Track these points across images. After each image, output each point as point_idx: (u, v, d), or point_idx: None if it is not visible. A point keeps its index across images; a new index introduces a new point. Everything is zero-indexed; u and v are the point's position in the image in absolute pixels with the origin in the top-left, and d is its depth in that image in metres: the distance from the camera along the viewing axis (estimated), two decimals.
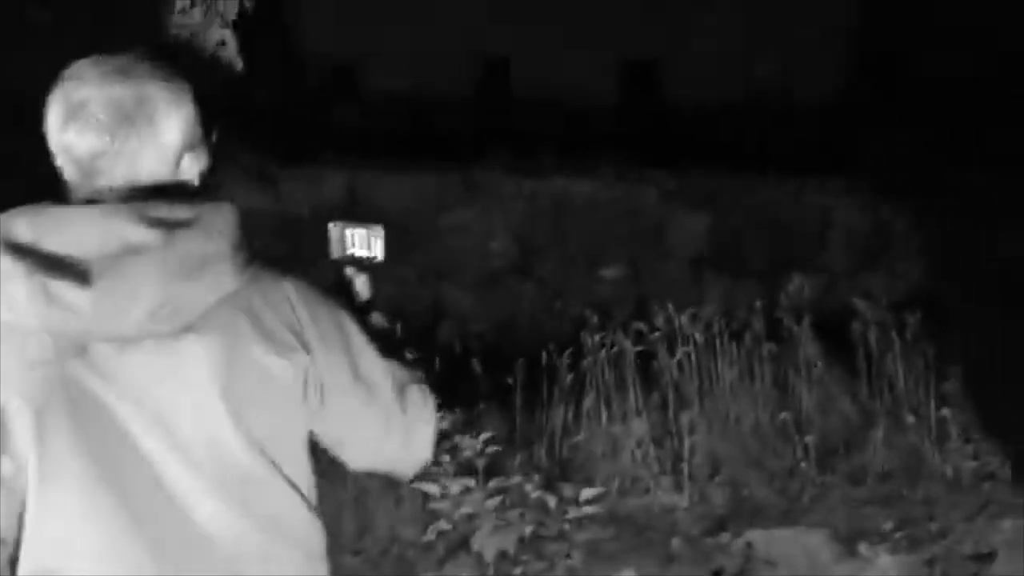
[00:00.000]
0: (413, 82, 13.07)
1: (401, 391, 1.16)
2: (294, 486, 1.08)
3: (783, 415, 3.12)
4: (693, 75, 14.47)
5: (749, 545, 2.77)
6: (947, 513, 2.88)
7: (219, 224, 1.03)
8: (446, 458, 2.74)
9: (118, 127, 1.01)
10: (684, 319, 3.31)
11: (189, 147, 1.07)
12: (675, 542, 2.79)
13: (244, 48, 3.43)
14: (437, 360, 3.25)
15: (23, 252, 0.96)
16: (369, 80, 13.23)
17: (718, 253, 6.36)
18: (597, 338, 3.20)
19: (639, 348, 3.19)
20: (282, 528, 1.08)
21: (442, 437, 2.97)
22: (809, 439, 3.01)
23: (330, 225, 1.35)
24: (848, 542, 2.85)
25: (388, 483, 3.00)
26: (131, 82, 1.01)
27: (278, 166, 6.12)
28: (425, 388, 1.21)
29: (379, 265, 1.34)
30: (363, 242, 1.35)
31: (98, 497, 1.00)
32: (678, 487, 2.97)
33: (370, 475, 3.01)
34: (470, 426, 2.96)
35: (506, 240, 6.26)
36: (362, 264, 1.34)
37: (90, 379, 1.00)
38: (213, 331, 1.02)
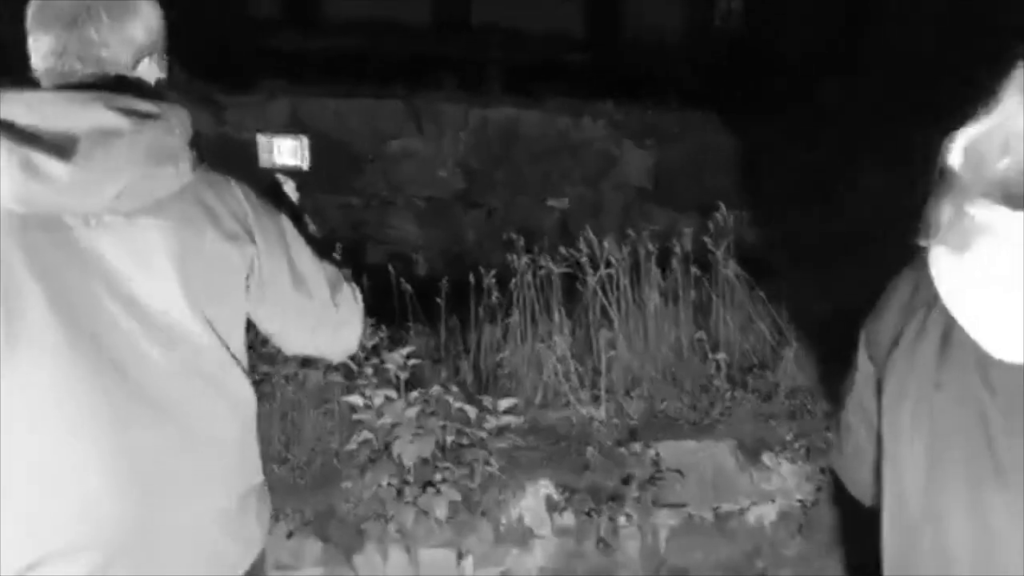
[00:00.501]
0: (368, 7, 12.73)
1: (333, 288, 1.29)
2: (236, 360, 1.21)
3: (699, 334, 3.25)
4: (655, 10, 14.29)
5: (658, 454, 2.93)
6: None
7: (177, 121, 1.14)
8: (370, 371, 2.83)
9: (88, 17, 1.10)
10: (610, 244, 3.40)
11: (149, 51, 1.16)
12: (589, 451, 2.94)
13: None
14: (365, 278, 3.31)
15: (2, 127, 1.02)
16: (323, 5, 12.86)
17: (663, 186, 6.46)
18: (525, 260, 3.28)
19: (562, 270, 3.27)
20: (228, 393, 1.21)
21: (370, 352, 3.05)
22: (721, 356, 3.16)
23: (258, 135, 1.44)
24: (753, 452, 3.03)
25: (316, 397, 3.10)
26: None
27: (223, 92, 6.00)
28: (354, 286, 1.35)
29: (305, 173, 1.45)
30: (290, 152, 1.45)
31: (69, 369, 1.07)
32: (596, 401, 3.10)
33: (297, 390, 3.10)
34: (397, 343, 3.05)
35: (452, 168, 6.27)
36: (289, 171, 1.44)
37: (55, 254, 1.06)
38: (171, 217, 1.12)
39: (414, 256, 5.74)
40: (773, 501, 2.98)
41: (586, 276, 3.39)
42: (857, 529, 2.84)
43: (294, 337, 1.32)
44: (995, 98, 0.94)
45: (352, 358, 3.07)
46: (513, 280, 3.25)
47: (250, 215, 1.21)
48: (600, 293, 3.36)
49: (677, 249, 3.48)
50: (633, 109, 6.81)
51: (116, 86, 1.11)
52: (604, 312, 3.41)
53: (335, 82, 6.39)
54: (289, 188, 1.48)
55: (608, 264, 3.33)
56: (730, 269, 3.45)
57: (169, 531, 1.13)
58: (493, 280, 3.26)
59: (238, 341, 1.23)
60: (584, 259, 3.40)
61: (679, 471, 2.93)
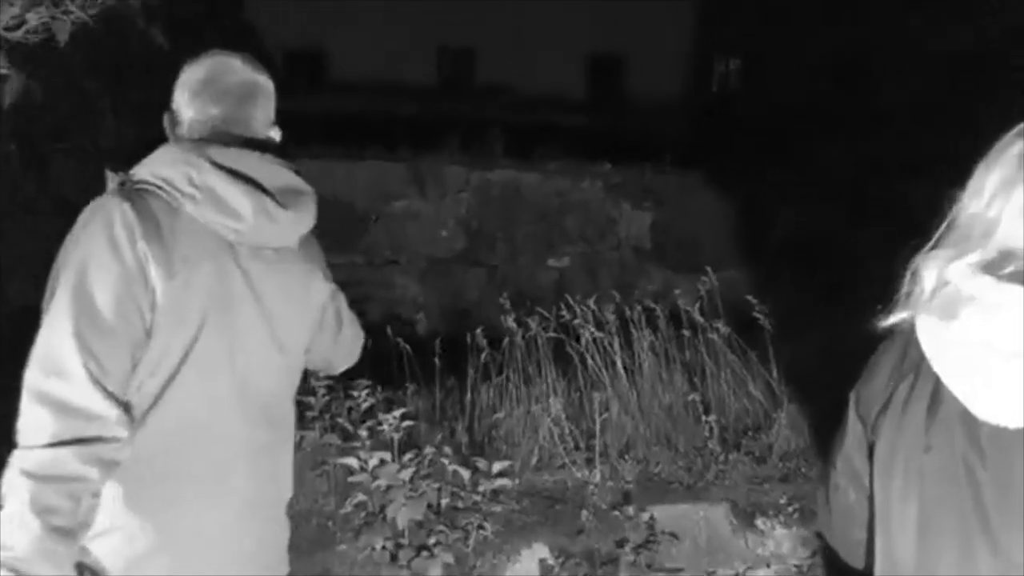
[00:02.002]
0: (376, 72, 13.11)
1: (351, 320, 1.52)
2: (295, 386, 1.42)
3: (692, 396, 3.29)
4: (655, 74, 14.67)
5: (653, 518, 2.94)
6: None
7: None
8: (365, 433, 2.86)
9: (253, 98, 1.36)
10: (603, 305, 3.47)
11: (274, 121, 1.41)
12: (584, 515, 2.94)
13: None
14: (369, 341, 3.38)
15: (238, 176, 1.26)
16: (333, 70, 13.25)
17: (660, 246, 6.56)
18: (512, 322, 3.35)
19: (551, 334, 3.33)
20: (291, 422, 1.41)
21: (365, 413, 3.09)
22: (713, 419, 3.18)
23: None
24: (747, 516, 3.04)
25: (312, 458, 3.12)
26: (255, 70, 1.37)
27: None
28: (355, 314, 1.58)
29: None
30: None
31: (218, 380, 1.26)
32: (590, 463, 3.12)
33: (295, 451, 3.13)
34: (393, 404, 3.09)
35: (455, 228, 6.38)
36: None
37: (237, 274, 1.27)
38: (302, 258, 1.35)
39: (415, 315, 5.81)
40: (768, 566, 2.97)
41: (579, 338, 3.44)
42: None
43: (321, 358, 1.51)
44: (983, 178, 0.99)
45: (349, 419, 3.12)
46: (504, 341, 3.31)
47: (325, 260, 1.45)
48: (593, 355, 3.41)
49: (666, 311, 3.54)
50: (631, 171, 6.96)
51: (262, 147, 1.34)
52: (594, 371, 3.46)
53: (340, 143, 6.57)
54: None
55: (600, 326, 3.40)
56: (720, 330, 3.51)
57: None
58: (485, 341, 3.31)
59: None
60: (577, 321, 3.46)
61: (674, 534, 2.93)
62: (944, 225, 1.00)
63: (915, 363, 1.00)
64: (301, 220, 1.32)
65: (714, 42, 15.87)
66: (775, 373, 3.54)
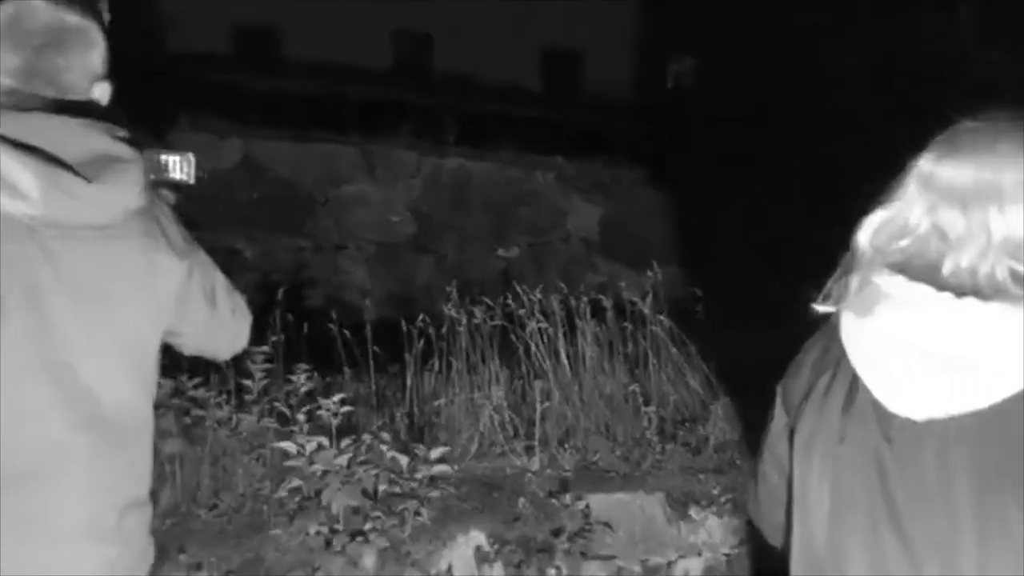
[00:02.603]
0: (329, 53, 12.87)
1: (231, 299, 1.39)
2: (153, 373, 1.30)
3: (633, 387, 3.33)
4: (611, 69, 14.76)
5: (589, 507, 2.97)
6: None
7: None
8: (302, 417, 2.83)
9: (58, 44, 1.18)
10: (549, 296, 3.49)
11: (101, 77, 1.24)
12: (521, 502, 2.96)
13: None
14: (305, 325, 3.34)
15: (23, 148, 1.09)
16: (284, 48, 12.97)
17: (609, 239, 6.62)
18: (452, 310, 3.34)
19: (496, 323, 3.34)
20: (151, 393, 1.30)
21: (304, 398, 3.05)
22: (652, 410, 3.23)
23: (144, 151, 1.49)
24: (681, 506, 3.10)
25: (248, 442, 3.07)
26: (67, 9, 1.20)
27: (170, 130, 5.99)
28: (241, 294, 1.46)
29: (191, 187, 1.51)
30: (176, 167, 1.50)
31: (25, 381, 1.11)
32: (530, 451, 3.14)
33: (230, 435, 3.08)
34: (331, 389, 3.06)
35: (405, 215, 6.33)
36: (177, 186, 1.49)
37: (39, 262, 1.12)
38: (136, 234, 1.20)
39: (362, 301, 5.75)
40: (700, 555, 3.03)
41: (524, 327, 3.46)
42: None
43: (194, 341, 1.40)
44: (899, 185, 1.06)
45: (287, 404, 3.07)
46: (443, 328, 3.30)
47: (183, 233, 1.30)
48: (537, 344, 3.43)
49: (611, 303, 3.58)
50: (583, 164, 7.01)
51: (80, 111, 1.18)
52: (541, 363, 3.48)
53: (289, 124, 6.45)
54: (173, 201, 1.52)
55: (545, 316, 3.41)
56: (663, 323, 3.56)
57: None
58: (431, 329, 3.30)
59: (158, 347, 1.31)
60: (522, 311, 3.47)
61: (608, 523, 2.97)
62: (868, 238, 1.05)
63: (836, 357, 1.05)
64: (116, 192, 1.15)
65: (670, 40, 16.06)
66: (714, 367, 3.62)
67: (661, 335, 3.52)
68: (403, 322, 3.31)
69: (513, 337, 3.34)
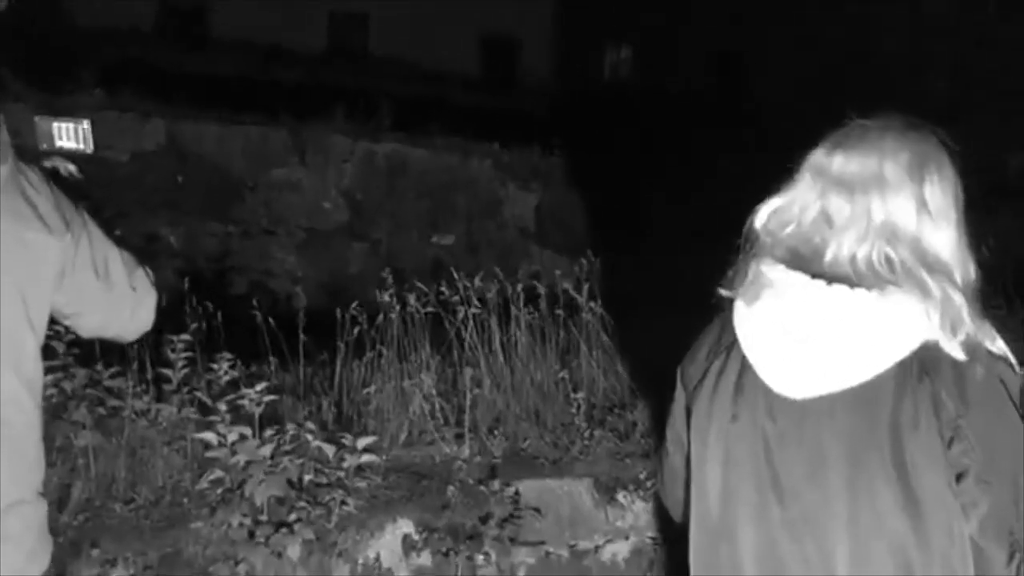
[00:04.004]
0: (262, 33, 12.52)
1: (131, 273, 1.31)
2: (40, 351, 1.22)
3: (563, 374, 3.36)
4: (549, 58, 14.81)
5: (518, 493, 2.98)
6: None
7: None
8: (224, 407, 2.75)
9: None
10: (483, 283, 3.48)
11: None
12: (450, 490, 2.95)
13: None
14: (221, 314, 3.25)
15: None
16: (214, 27, 12.55)
17: (545, 227, 6.66)
18: (388, 296, 3.30)
19: (430, 309, 3.31)
20: (36, 385, 1.21)
21: (226, 387, 2.97)
22: (581, 396, 3.26)
23: (36, 119, 1.44)
24: (608, 490, 3.14)
25: (167, 433, 2.97)
26: None
27: (91, 107, 5.71)
28: (147, 269, 1.38)
29: (87, 156, 1.45)
30: (71, 135, 1.45)
31: None
32: (459, 439, 3.13)
33: (148, 426, 2.97)
34: (255, 378, 2.98)
35: (337, 200, 6.22)
36: (71, 155, 1.43)
37: None
38: (8, 210, 1.11)
39: (292, 288, 5.63)
40: (627, 538, 3.08)
41: (456, 314, 3.44)
42: None
43: (92, 321, 1.33)
44: (795, 174, 1.14)
45: (208, 394, 2.98)
46: (379, 316, 3.26)
47: (63, 205, 1.22)
48: (470, 331, 3.42)
49: (545, 291, 3.59)
50: (520, 152, 7.00)
51: None
52: (473, 350, 3.47)
53: (217, 105, 6.24)
54: (71, 171, 1.46)
55: (480, 303, 3.40)
56: (595, 311, 3.59)
57: None
58: (363, 317, 3.25)
59: (43, 331, 1.23)
60: (456, 297, 3.45)
61: (537, 509, 2.99)
62: (762, 224, 1.14)
63: (728, 342, 1.14)
64: None
65: (606, 30, 16.21)
66: (644, 355, 3.67)
67: (593, 322, 3.55)
68: (338, 311, 3.25)
69: (447, 324, 3.32)
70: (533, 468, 3.11)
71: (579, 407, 3.28)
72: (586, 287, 3.62)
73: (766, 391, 1.08)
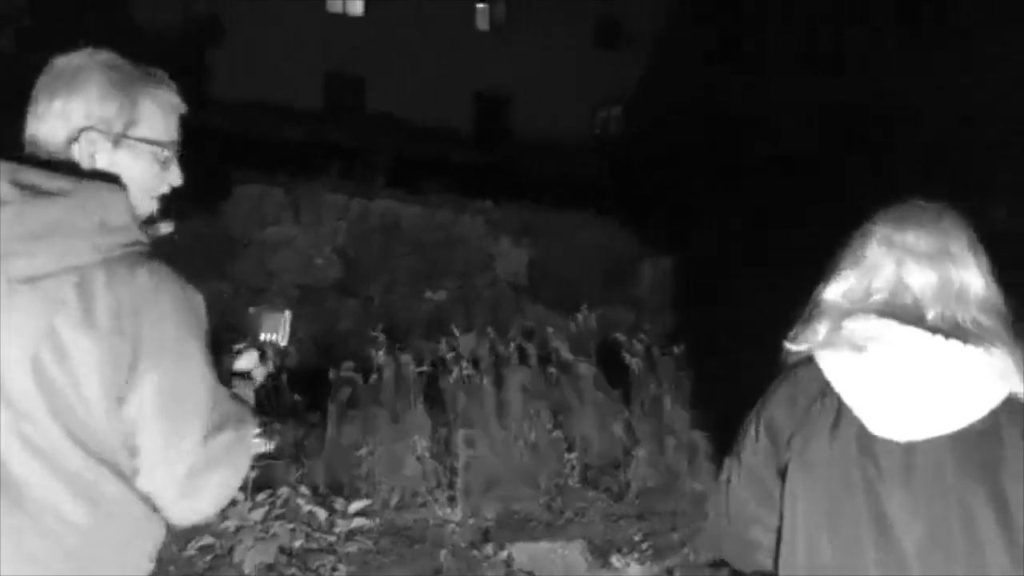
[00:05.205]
0: (259, 92, 12.76)
1: (215, 427, 1.11)
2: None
3: (555, 434, 3.34)
4: (539, 115, 15.10)
5: (511, 556, 2.95)
6: (689, 525, 3.19)
7: (92, 201, 1.10)
8: None
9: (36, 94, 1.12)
10: (475, 341, 3.49)
11: (91, 126, 1.14)
12: (443, 554, 2.91)
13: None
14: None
15: None
16: (214, 85, 12.80)
17: (536, 283, 6.69)
18: (382, 355, 3.31)
19: (422, 369, 3.32)
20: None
21: None
22: (574, 456, 3.25)
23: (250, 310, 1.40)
24: (603, 553, 3.10)
25: None
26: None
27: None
28: (244, 438, 1.16)
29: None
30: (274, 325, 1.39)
31: None
32: (453, 501, 3.10)
33: None
34: None
35: (331, 257, 6.25)
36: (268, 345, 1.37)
37: None
38: (42, 296, 1.06)
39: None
40: None
41: (449, 373, 3.44)
42: None
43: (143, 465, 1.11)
44: (858, 251, 1.26)
45: None
46: (372, 376, 3.26)
47: (142, 308, 1.09)
48: (464, 391, 3.41)
49: (538, 349, 3.60)
50: (512, 208, 7.09)
51: (44, 163, 1.11)
52: (467, 410, 3.46)
53: (215, 164, 6.33)
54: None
55: (473, 362, 3.41)
56: (587, 368, 3.60)
57: None
58: (356, 375, 3.25)
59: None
60: (449, 355, 3.46)
61: (531, 573, 2.95)
62: (825, 287, 1.26)
63: (818, 388, 1.21)
64: None
65: (597, 88, 16.60)
66: (637, 412, 3.67)
67: (585, 380, 3.55)
68: (329, 369, 3.25)
69: (441, 384, 3.32)
70: (526, 530, 3.08)
71: (573, 467, 3.27)
72: (570, 343, 3.63)
73: (861, 435, 1.16)
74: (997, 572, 1.10)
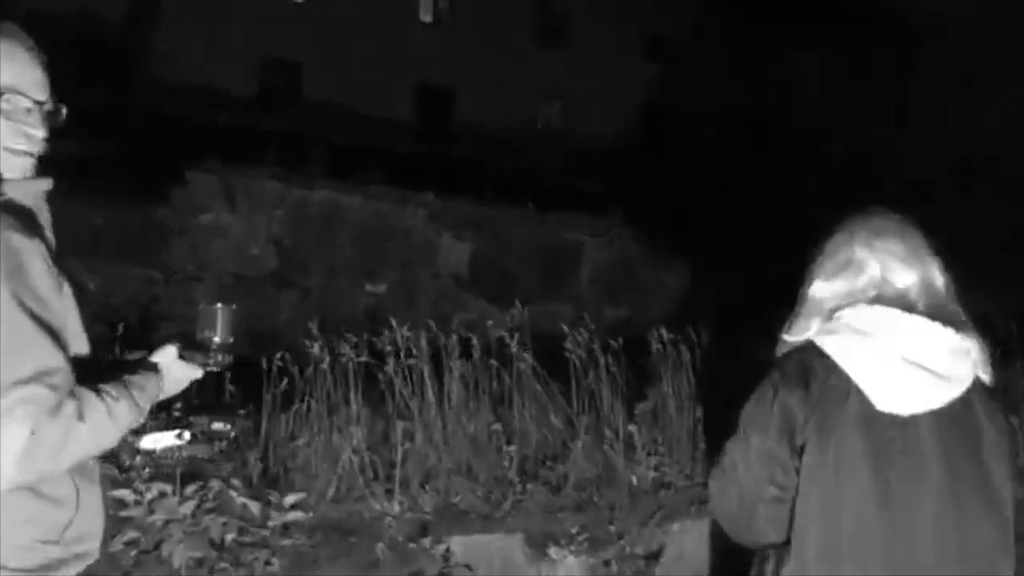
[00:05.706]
0: (195, 76, 12.34)
1: (23, 380, 1.07)
2: None
3: (495, 426, 3.34)
4: (482, 108, 15.07)
5: (449, 549, 2.93)
6: (626, 518, 3.24)
7: None
8: (138, 461, 2.62)
9: None
10: (412, 333, 3.45)
11: None
12: (379, 547, 2.88)
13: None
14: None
15: None
16: (137, 63, 12.31)
17: (478, 276, 6.68)
18: (319, 347, 3.24)
19: (361, 359, 3.27)
20: None
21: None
22: (513, 449, 3.25)
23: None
24: (540, 545, 3.11)
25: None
26: None
27: None
28: (62, 405, 1.07)
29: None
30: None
31: None
32: (390, 494, 3.07)
33: None
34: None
35: (266, 246, 6.11)
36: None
37: None
38: None
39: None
40: None
41: (387, 366, 3.39)
42: None
43: None
44: (845, 256, 1.43)
45: (125, 447, 2.85)
46: (309, 368, 3.19)
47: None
48: (401, 383, 3.37)
49: (480, 341, 3.59)
50: (454, 201, 7.05)
51: None
52: (406, 402, 3.42)
53: (143, 149, 6.10)
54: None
55: (411, 354, 3.37)
56: (527, 361, 3.60)
57: None
58: (292, 367, 3.18)
59: None
60: (388, 348, 3.41)
61: (468, 565, 2.94)
62: (812, 286, 1.44)
63: (825, 367, 1.36)
64: None
65: (540, 82, 16.67)
66: (575, 404, 3.69)
67: (525, 373, 3.56)
68: (263, 360, 3.17)
69: (380, 376, 3.27)
70: (464, 523, 3.07)
71: (511, 460, 3.27)
72: (511, 336, 3.63)
73: (867, 410, 1.32)
74: (988, 534, 1.32)
